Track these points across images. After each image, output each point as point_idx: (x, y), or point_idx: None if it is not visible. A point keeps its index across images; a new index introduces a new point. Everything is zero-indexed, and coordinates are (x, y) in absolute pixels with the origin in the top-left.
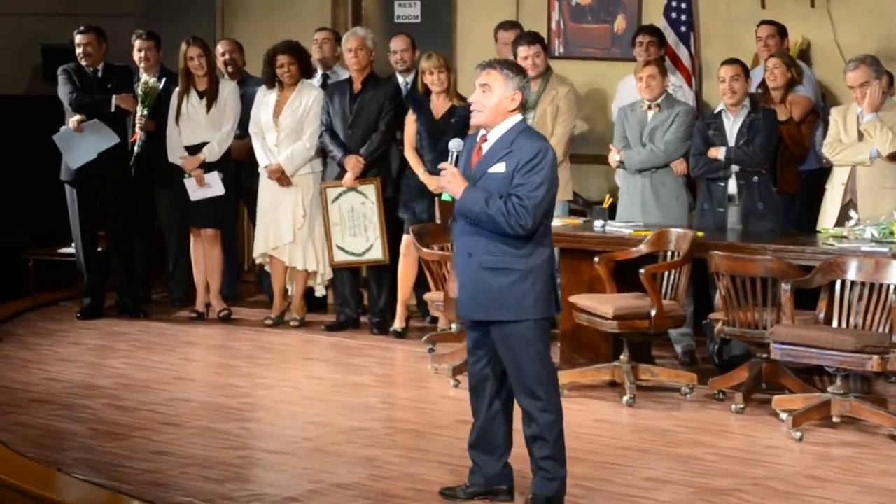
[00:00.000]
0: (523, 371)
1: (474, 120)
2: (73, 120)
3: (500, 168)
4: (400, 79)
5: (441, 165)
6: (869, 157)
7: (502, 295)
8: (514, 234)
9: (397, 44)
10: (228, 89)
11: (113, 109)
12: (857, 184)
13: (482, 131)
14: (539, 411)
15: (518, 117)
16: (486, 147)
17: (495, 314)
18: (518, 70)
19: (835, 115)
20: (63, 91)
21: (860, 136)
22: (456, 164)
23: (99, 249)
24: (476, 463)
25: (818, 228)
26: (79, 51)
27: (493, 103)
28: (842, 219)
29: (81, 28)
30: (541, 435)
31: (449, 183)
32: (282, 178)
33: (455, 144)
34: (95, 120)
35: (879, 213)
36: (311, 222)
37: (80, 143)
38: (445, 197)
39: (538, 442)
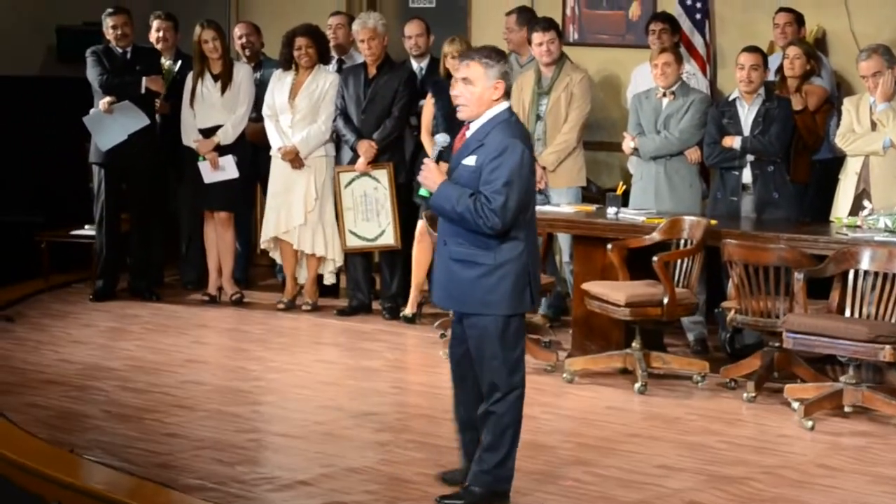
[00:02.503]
0: (483, 364)
1: (461, 114)
2: (103, 102)
3: (470, 161)
4: (414, 64)
5: (426, 160)
6: (882, 146)
7: (469, 287)
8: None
9: (412, 29)
10: (243, 72)
11: (143, 91)
12: (870, 173)
13: (468, 121)
14: (492, 403)
15: (502, 106)
16: (467, 135)
17: (462, 306)
18: (498, 56)
19: (847, 105)
20: (92, 73)
21: (873, 125)
22: (439, 160)
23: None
24: (464, 445)
25: (831, 218)
26: (113, 32)
27: (475, 96)
28: (855, 208)
29: (111, 10)
30: (489, 426)
31: (426, 178)
32: (295, 160)
33: (441, 139)
34: (126, 101)
35: (893, 203)
36: (321, 206)
37: (111, 125)
38: (423, 192)
39: (484, 430)
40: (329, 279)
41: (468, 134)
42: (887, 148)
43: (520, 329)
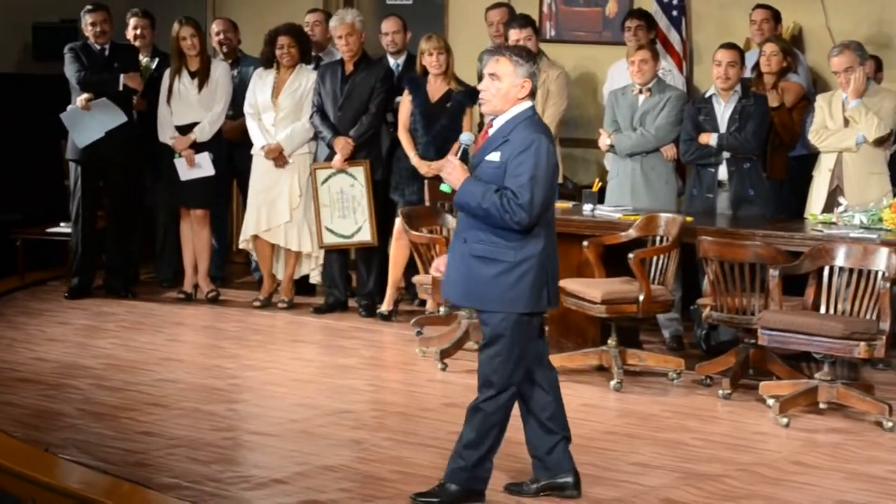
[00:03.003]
0: (485, 358)
1: (483, 109)
2: (80, 98)
3: (495, 157)
4: (391, 60)
5: (450, 157)
6: (855, 143)
7: (488, 285)
8: (510, 228)
9: (389, 25)
10: (220, 70)
11: (121, 88)
12: (843, 170)
13: (490, 116)
14: (483, 400)
15: (526, 105)
16: (490, 132)
17: (479, 303)
18: (528, 56)
19: (820, 101)
20: (70, 69)
21: (846, 122)
22: (463, 158)
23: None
24: (530, 442)
25: (806, 215)
26: (92, 29)
27: (501, 91)
28: (829, 205)
29: (90, 7)
30: (474, 422)
31: (449, 174)
32: (279, 158)
33: (466, 138)
34: (104, 98)
35: (866, 199)
36: (306, 203)
37: (88, 122)
38: (445, 188)
39: (468, 426)
40: (315, 277)
41: (491, 132)
42: (860, 144)
43: (532, 329)
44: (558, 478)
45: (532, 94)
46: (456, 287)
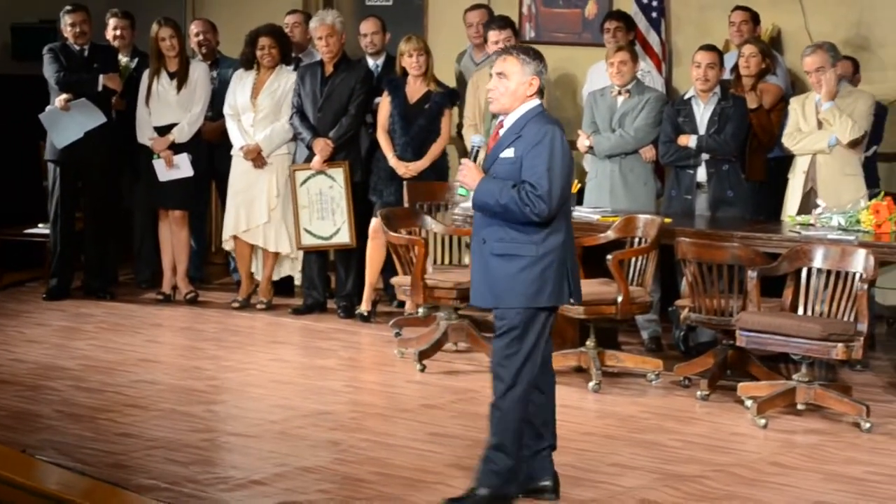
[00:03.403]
0: (499, 350)
1: (492, 107)
2: (59, 99)
3: (509, 153)
4: (370, 61)
5: (463, 160)
6: (828, 145)
7: (510, 282)
8: (530, 222)
9: (368, 26)
10: (199, 71)
11: (100, 89)
12: (817, 172)
13: (501, 116)
14: (500, 396)
15: (535, 102)
16: (501, 132)
17: (501, 301)
18: (535, 55)
19: (794, 104)
20: (49, 70)
21: (819, 124)
22: (475, 160)
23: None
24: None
25: (782, 217)
26: (71, 29)
27: (510, 90)
28: (804, 207)
29: (69, 7)
30: (495, 423)
31: (465, 176)
32: (257, 159)
33: (477, 140)
34: (83, 99)
35: (841, 201)
36: (284, 203)
37: (67, 123)
38: (462, 191)
39: (490, 427)
40: (298, 278)
41: (502, 131)
42: (833, 146)
43: (546, 325)
44: (538, 482)
45: (541, 92)
46: (480, 288)
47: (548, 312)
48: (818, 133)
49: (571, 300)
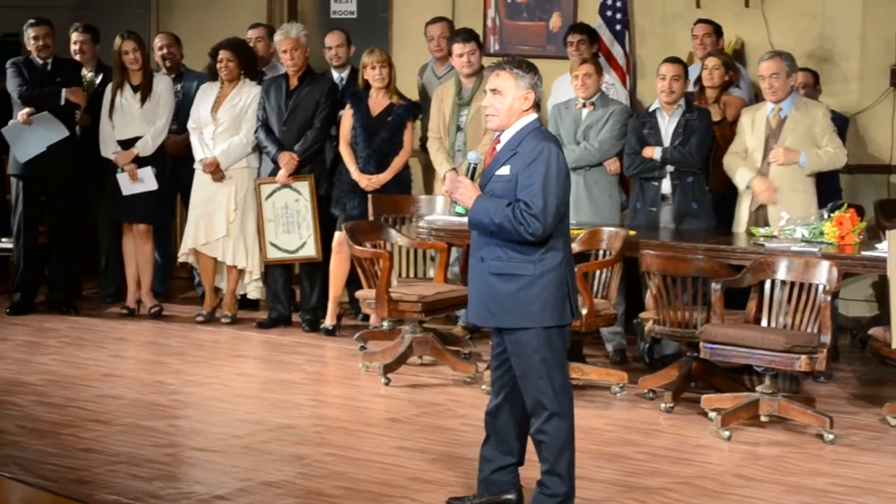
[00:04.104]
0: (528, 380)
1: (489, 125)
2: (21, 113)
3: (505, 171)
4: (335, 74)
5: (459, 178)
6: (744, 185)
7: (509, 301)
8: (527, 241)
9: (332, 39)
10: (162, 84)
11: (63, 103)
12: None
13: (497, 133)
14: (543, 422)
15: (531, 117)
16: (498, 148)
17: (502, 321)
18: (528, 68)
19: (744, 117)
20: (12, 84)
21: (766, 137)
22: (472, 178)
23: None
24: (485, 458)
25: (733, 230)
26: (34, 43)
27: (505, 106)
28: (755, 221)
29: (33, 21)
30: (543, 447)
31: (461, 194)
32: (216, 172)
33: (473, 157)
34: (45, 113)
35: (792, 217)
36: (242, 218)
37: (29, 137)
38: (459, 209)
39: (541, 454)
40: (254, 293)
41: (498, 147)
42: (747, 188)
43: (562, 342)
44: (502, 494)
45: (537, 106)
46: (479, 308)
47: (558, 329)
48: (742, 170)
49: (574, 318)
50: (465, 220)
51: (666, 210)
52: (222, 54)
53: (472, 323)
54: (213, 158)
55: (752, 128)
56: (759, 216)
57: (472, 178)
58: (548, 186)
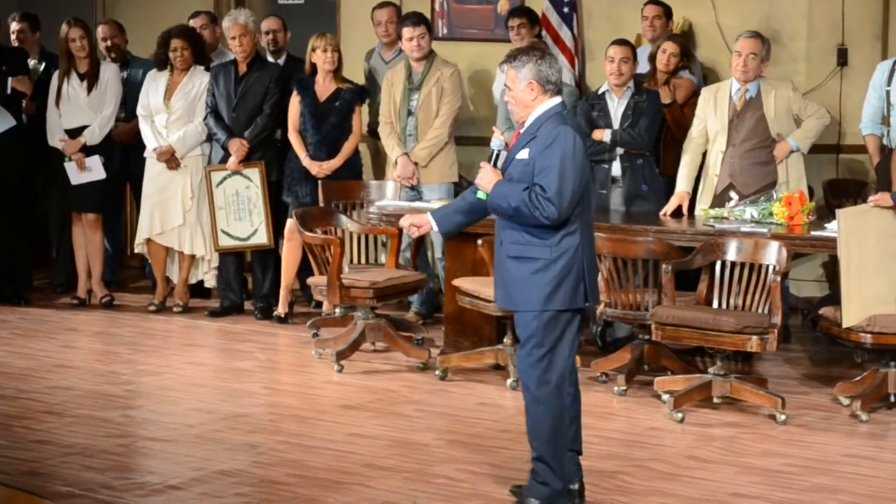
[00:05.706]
0: (518, 359)
1: (514, 118)
2: None
3: (524, 154)
4: (270, 59)
5: (482, 163)
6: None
7: (524, 284)
8: (543, 224)
9: (269, 24)
10: (109, 72)
11: (9, 91)
12: (727, 164)
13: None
14: (530, 404)
15: (553, 101)
16: (521, 132)
17: (517, 304)
18: (528, 55)
19: (706, 94)
20: None
21: (730, 119)
22: (495, 164)
23: None
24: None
25: (697, 211)
26: None
27: (516, 99)
28: (720, 200)
29: None
30: (530, 432)
31: (482, 179)
32: (171, 161)
33: (497, 143)
34: None
35: (755, 190)
36: (199, 205)
37: None
38: (480, 195)
39: (530, 440)
40: (211, 282)
41: (522, 131)
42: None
43: (568, 326)
44: (569, 485)
45: (556, 91)
46: (498, 290)
47: (569, 315)
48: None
49: (587, 303)
50: (415, 204)
51: (616, 192)
52: (175, 42)
53: (498, 306)
54: (169, 147)
55: (714, 108)
56: (724, 194)
57: (494, 164)
58: (563, 170)
